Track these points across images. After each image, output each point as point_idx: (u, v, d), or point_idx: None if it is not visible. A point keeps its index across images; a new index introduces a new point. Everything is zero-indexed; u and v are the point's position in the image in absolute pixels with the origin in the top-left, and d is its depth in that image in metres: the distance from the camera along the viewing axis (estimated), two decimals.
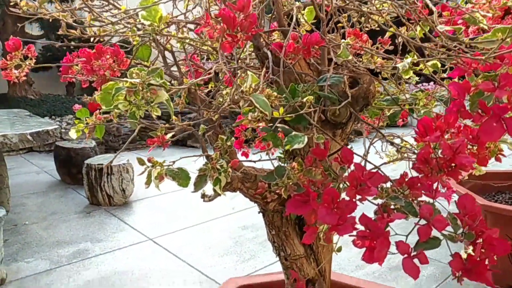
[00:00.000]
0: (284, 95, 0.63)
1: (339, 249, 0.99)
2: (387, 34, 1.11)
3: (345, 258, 2.68)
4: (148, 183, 0.67)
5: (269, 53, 0.81)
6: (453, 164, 0.57)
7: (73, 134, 0.89)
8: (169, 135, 0.85)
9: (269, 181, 0.57)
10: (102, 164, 3.54)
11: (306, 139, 0.55)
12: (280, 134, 0.60)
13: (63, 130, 5.42)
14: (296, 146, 0.53)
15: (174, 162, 0.69)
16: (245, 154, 1.44)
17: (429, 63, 0.97)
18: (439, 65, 0.97)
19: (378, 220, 0.53)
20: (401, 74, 1.12)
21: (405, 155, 1.26)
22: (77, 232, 3.05)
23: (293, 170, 0.58)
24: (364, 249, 0.56)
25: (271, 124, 0.61)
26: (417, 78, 1.22)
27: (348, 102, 0.89)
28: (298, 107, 0.62)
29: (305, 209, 0.56)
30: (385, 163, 1.00)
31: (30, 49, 0.87)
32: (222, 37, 0.64)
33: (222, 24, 0.63)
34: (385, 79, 1.17)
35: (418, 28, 1.03)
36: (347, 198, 0.55)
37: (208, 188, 1.04)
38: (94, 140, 4.47)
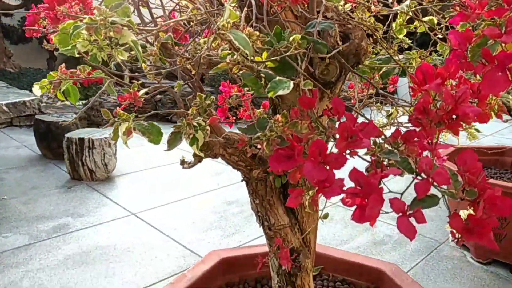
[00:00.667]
0: (268, 39, 0.56)
1: (325, 216, 0.94)
2: None
3: (330, 232, 2.66)
4: (115, 138, 0.59)
5: (253, 1, 0.73)
6: (454, 115, 0.51)
7: (36, 90, 0.81)
8: (142, 91, 0.77)
9: (250, 134, 0.51)
10: (83, 138, 3.43)
11: (291, 85, 0.48)
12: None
13: (43, 104, 5.26)
14: (280, 92, 0.47)
15: (145, 117, 0.62)
16: (230, 125, 1.37)
17: (425, 18, 0.91)
18: (435, 20, 0.91)
19: (370, 176, 0.47)
20: (394, 33, 1.05)
21: (395, 121, 1.20)
22: (58, 207, 2.97)
23: (277, 122, 0.51)
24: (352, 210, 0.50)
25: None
26: (409, 41, 1.15)
27: (338, 57, 0.82)
28: (284, 52, 0.55)
29: (289, 164, 0.50)
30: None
31: None
32: None
33: None
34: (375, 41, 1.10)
35: None
36: (336, 151, 0.49)
37: (189, 156, 0.98)
38: (76, 114, 4.34)
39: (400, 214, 0.45)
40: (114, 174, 3.66)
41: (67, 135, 3.51)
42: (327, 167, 0.48)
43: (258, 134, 0.51)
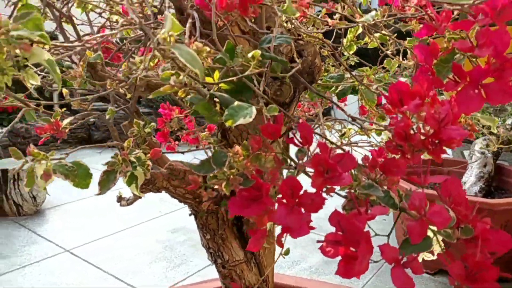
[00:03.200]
0: (219, 56, 0.46)
1: (287, 252, 0.85)
2: None
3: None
4: (29, 184, 0.47)
5: (195, 14, 0.63)
6: (437, 140, 0.45)
7: None
8: (66, 120, 0.64)
9: (204, 173, 0.41)
10: (7, 169, 3.10)
11: (254, 111, 0.39)
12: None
13: None
14: (241, 121, 0.37)
15: (67, 154, 0.49)
16: (171, 148, 1.25)
17: (376, 34, 0.86)
18: (387, 37, 0.87)
19: (353, 218, 0.39)
20: (344, 49, 1.00)
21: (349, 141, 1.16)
22: None
23: (237, 156, 0.42)
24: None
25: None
26: (356, 58, 1.11)
27: (292, 76, 0.74)
28: (238, 71, 0.46)
29: (255, 208, 0.40)
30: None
31: None
32: None
33: None
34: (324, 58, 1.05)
35: None
36: (311, 190, 0.40)
37: (127, 190, 0.85)
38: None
39: (394, 264, 0.37)
40: (44, 207, 3.33)
41: None
42: (303, 210, 0.39)
43: (215, 172, 0.41)
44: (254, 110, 0.39)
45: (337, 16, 0.80)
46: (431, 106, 0.52)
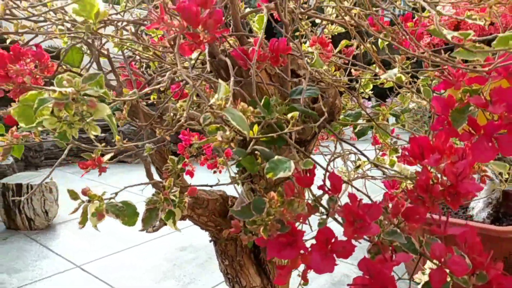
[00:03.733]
0: (258, 110, 0.52)
1: (306, 284, 0.88)
2: (342, 43, 1.05)
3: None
4: (83, 222, 0.52)
5: (228, 60, 0.69)
6: (455, 192, 0.50)
7: None
8: (107, 156, 0.70)
9: (245, 218, 0.46)
10: (21, 184, 3.16)
11: (292, 165, 0.44)
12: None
13: None
14: (281, 175, 0.42)
15: (116, 194, 0.55)
16: (190, 173, 1.31)
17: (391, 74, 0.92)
18: (404, 78, 0.92)
19: (379, 263, 0.44)
20: (362, 87, 1.06)
21: (366, 172, 1.20)
22: None
23: (273, 202, 0.47)
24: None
25: (244, 144, 0.49)
26: (370, 92, 1.17)
27: (313, 118, 0.80)
28: (274, 124, 0.51)
29: (291, 252, 0.45)
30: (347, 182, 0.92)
31: None
32: (180, 37, 0.52)
33: (181, 21, 0.51)
34: (341, 93, 1.10)
35: (380, 40, 0.98)
36: (343, 238, 0.45)
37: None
38: (12, 156, 4.02)
39: None
40: (56, 222, 3.39)
41: (2, 181, 3.23)
42: (334, 256, 0.44)
43: (254, 218, 0.46)
44: (292, 164, 0.44)
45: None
46: (448, 158, 0.56)
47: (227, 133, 0.45)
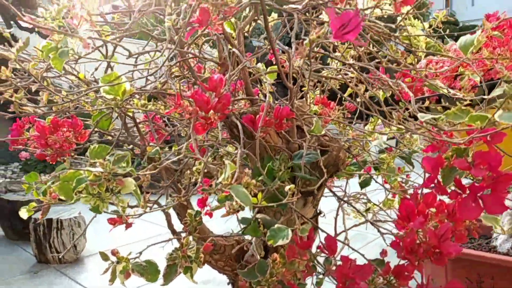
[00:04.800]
0: (261, 177, 0.60)
1: None
2: (347, 92, 1.12)
3: None
4: (112, 280, 0.60)
5: (238, 123, 0.78)
6: (438, 252, 0.55)
7: (23, 214, 0.81)
8: (131, 219, 0.78)
9: (251, 279, 0.53)
10: (51, 218, 3.31)
11: (290, 234, 0.51)
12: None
13: (7, 180, 5.08)
14: (280, 242, 0.50)
15: (140, 253, 0.63)
16: (210, 215, 1.39)
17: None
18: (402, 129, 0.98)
19: None
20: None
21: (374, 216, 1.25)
22: None
23: (275, 263, 0.54)
24: None
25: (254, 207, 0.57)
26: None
27: (319, 171, 0.87)
28: (276, 190, 0.59)
29: None
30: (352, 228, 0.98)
31: None
32: (195, 119, 0.61)
33: (194, 107, 0.60)
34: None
35: (381, 92, 1.05)
36: None
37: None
38: None
39: None
40: (83, 255, 3.50)
41: (34, 216, 3.38)
42: None
43: (259, 278, 0.53)
44: (290, 233, 0.51)
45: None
46: (436, 218, 0.62)
47: (234, 203, 0.53)
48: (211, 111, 0.59)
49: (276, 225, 0.52)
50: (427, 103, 1.04)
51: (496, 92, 0.57)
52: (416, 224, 0.56)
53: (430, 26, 1.04)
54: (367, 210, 1.18)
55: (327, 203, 1.29)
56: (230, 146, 1.15)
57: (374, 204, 1.13)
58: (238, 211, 0.53)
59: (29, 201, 2.97)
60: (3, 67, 0.64)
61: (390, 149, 1.16)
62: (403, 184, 1.24)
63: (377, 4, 0.68)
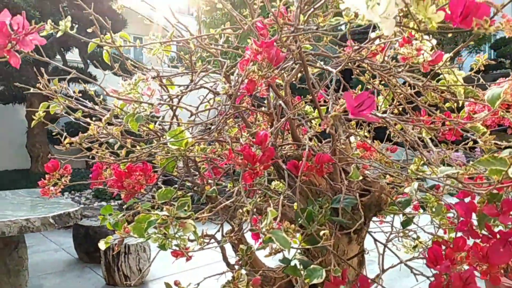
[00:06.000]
0: (301, 220, 0.68)
1: None
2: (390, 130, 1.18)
3: None
4: None
5: (284, 166, 0.88)
6: None
7: (102, 246, 0.95)
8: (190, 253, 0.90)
9: None
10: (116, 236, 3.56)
11: (324, 274, 0.59)
12: None
13: (82, 206, 5.51)
14: (315, 281, 0.57)
15: (198, 284, 0.73)
16: (256, 237, 1.47)
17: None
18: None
19: None
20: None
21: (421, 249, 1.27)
22: None
23: None
24: None
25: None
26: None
27: (361, 209, 0.93)
28: (315, 233, 0.67)
29: None
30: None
31: (67, 169, 0.95)
32: (243, 170, 0.71)
33: (243, 160, 0.70)
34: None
35: (424, 132, 1.10)
36: None
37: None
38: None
39: None
40: (148, 279, 3.70)
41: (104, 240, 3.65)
42: None
43: None
44: (323, 273, 0.59)
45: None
46: (467, 261, 0.67)
47: (275, 246, 0.62)
48: (257, 164, 0.70)
49: (312, 266, 0.60)
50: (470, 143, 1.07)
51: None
52: (443, 267, 0.61)
53: (472, 69, 1.09)
54: (415, 247, 1.20)
55: (377, 237, 1.33)
56: (280, 183, 1.24)
57: (420, 242, 1.16)
58: (279, 251, 0.62)
59: (101, 227, 3.24)
60: (91, 127, 0.79)
61: (438, 187, 1.19)
62: (454, 221, 1.25)
63: (409, 63, 0.76)
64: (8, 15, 0.51)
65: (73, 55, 7.34)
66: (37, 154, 7.15)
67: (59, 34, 0.73)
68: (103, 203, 5.84)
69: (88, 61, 6.97)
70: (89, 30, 0.89)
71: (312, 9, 0.78)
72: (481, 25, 0.48)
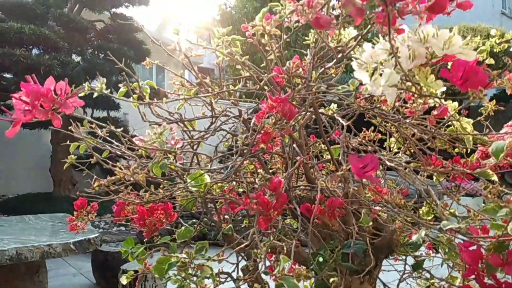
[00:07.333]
0: (311, 267, 0.72)
1: None
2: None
3: None
4: None
5: (297, 208, 0.92)
6: None
7: (123, 280, 1.00)
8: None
9: None
10: (137, 270, 3.60)
11: None
12: None
13: (101, 231, 5.60)
14: None
15: None
16: (271, 268, 1.50)
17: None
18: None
19: None
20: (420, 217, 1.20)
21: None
22: None
23: None
24: None
25: None
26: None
27: (373, 251, 0.96)
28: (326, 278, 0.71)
29: None
30: None
31: (94, 207, 1.02)
32: (258, 216, 0.76)
33: (258, 206, 0.75)
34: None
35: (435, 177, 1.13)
36: None
37: None
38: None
39: None
40: None
41: (123, 266, 3.70)
42: None
43: None
44: None
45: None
46: None
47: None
48: (271, 210, 0.74)
49: None
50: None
51: None
52: None
53: (481, 114, 1.12)
54: (428, 287, 1.21)
55: (390, 276, 1.34)
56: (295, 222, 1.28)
57: (433, 284, 1.17)
58: None
59: (119, 252, 3.24)
60: (117, 170, 0.86)
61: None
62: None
63: (415, 117, 0.80)
64: (53, 82, 0.58)
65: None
66: (60, 178, 7.31)
67: (95, 95, 0.81)
68: (122, 228, 5.92)
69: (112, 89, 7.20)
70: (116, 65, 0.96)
71: (323, 68, 0.84)
72: (476, 95, 0.53)
